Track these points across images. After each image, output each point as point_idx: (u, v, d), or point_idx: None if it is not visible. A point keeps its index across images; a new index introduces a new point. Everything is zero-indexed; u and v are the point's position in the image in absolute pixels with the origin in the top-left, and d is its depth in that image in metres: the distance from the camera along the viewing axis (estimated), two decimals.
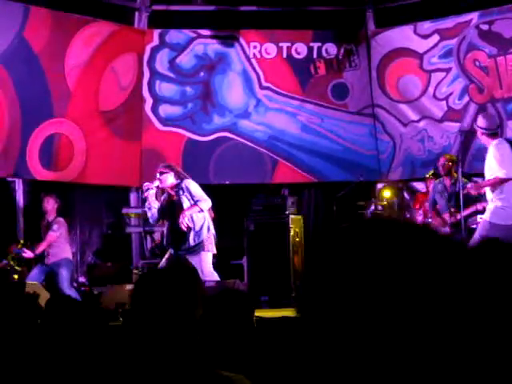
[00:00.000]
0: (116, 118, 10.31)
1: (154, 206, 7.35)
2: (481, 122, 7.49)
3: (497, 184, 7.08)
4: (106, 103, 10.20)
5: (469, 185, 7.76)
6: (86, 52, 9.94)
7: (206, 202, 7.25)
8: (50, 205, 8.62)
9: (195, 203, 7.18)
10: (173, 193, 7.34)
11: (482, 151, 10.00)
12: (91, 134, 10.00)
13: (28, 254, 8.52)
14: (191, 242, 7.19)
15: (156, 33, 10.73)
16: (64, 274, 8.40)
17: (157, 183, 7.33)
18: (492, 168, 7.12)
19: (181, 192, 7.26)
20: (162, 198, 7.41)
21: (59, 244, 8.53)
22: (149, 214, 7.47)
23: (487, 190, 7.26)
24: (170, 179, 7.32)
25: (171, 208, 7.32)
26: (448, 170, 8.42)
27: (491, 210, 7.11)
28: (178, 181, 7.33)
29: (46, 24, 9.59)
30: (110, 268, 9.62)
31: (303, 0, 10.77)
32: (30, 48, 9.41)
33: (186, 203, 7.22)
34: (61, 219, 8.62)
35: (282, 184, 10.84)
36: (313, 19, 10.97)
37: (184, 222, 7.10)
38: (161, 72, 10.72)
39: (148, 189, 7.30)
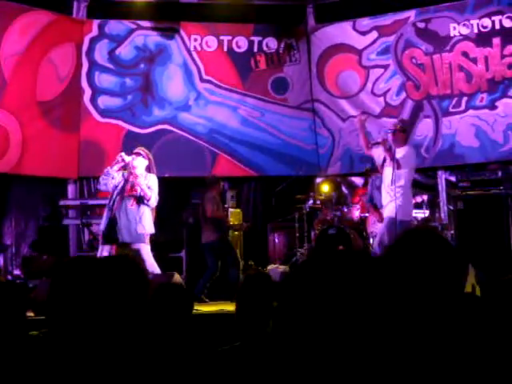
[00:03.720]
0: (54, 109, 10.14)
1: (114, 175, 7.13)
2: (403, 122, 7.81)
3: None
4: (43, 93, 10.02)
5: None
6: (23, 41, 9.74)
7: (155, 198, 7.20)
8: None
9: (146, 195, 7.11)
10: (134, 179, 7.15)
11: (418, 147, 10.26)
12: (28, 125, 9.81)
13: None
14: (137, 230, 7.09)
15: (95, 23, 10.59)
16: None
17: (129, 158, 7.11)
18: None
19: (146, 189, 7.16)
20: (121, 176, 7.16)
21: None
22: (104, 180, 7.18)
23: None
24: (142, 166, 7.19)
25: (124, 191, 7.14)
26: None
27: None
28: (146, 172, 7.23)
29: None
30: (46, 261, 9.46)
31: None
32: None
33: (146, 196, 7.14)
34: None
35: (222, 177, 10.85)
36: (254, 13, 10.99)
37: (138, 183, 7.03)
38: (100, 63, 10.58)
39: (123, 160, 7.08)
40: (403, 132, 7.71)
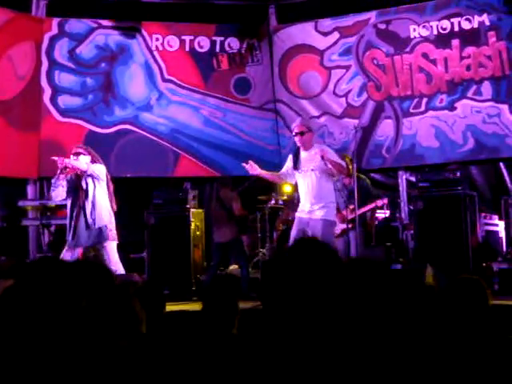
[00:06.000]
0: (13, 108, 10.00)
1: (63, 183, 6.98)
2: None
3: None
4: (1, 92, 9.88)
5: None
6: None
7: (94, 169, 7.05)
8: None
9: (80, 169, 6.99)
10: (81, 175, 7.04)
11: (380, 148, 10.35)
12: None
13: None
14: (95, 228, 6.99)
15: (55, 21, 10.47)
16: None
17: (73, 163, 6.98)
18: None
19: (89, 178, 7.05)
20: (69, 178, 7.03)
21: None
22: (54, 192, 7.04)
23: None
24: (85, 162, 7.07)
25: (77, 192, 7.05)
26: (348, 171, 8.62)
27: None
28: (92, 163, 7.12)
29: None
30: (4, 262, 9.33)
31: None
32: None
33: (90, 185, 7.04)
34: None
35: (184, 177, 10.82)
36: (216, 13, 10.97)
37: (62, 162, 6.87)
38: (60, 62, 10.47)
39: (66, 167, 6.94)
40: (311, 131, 7.49)
